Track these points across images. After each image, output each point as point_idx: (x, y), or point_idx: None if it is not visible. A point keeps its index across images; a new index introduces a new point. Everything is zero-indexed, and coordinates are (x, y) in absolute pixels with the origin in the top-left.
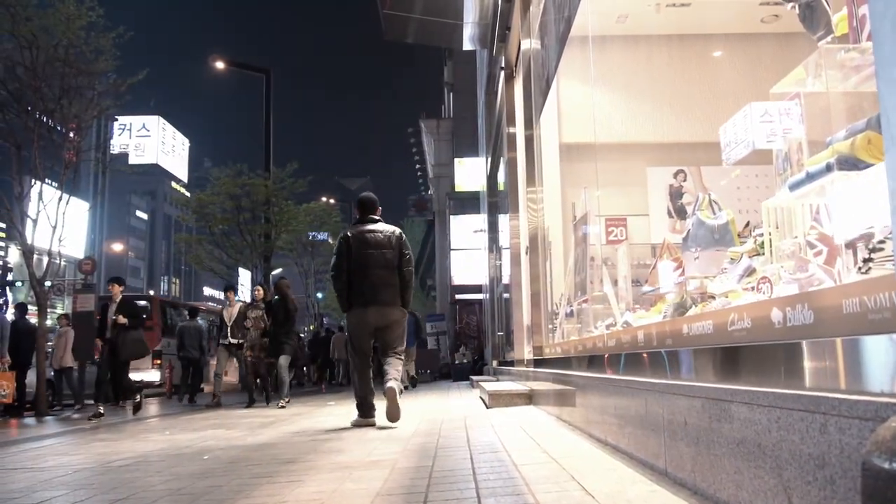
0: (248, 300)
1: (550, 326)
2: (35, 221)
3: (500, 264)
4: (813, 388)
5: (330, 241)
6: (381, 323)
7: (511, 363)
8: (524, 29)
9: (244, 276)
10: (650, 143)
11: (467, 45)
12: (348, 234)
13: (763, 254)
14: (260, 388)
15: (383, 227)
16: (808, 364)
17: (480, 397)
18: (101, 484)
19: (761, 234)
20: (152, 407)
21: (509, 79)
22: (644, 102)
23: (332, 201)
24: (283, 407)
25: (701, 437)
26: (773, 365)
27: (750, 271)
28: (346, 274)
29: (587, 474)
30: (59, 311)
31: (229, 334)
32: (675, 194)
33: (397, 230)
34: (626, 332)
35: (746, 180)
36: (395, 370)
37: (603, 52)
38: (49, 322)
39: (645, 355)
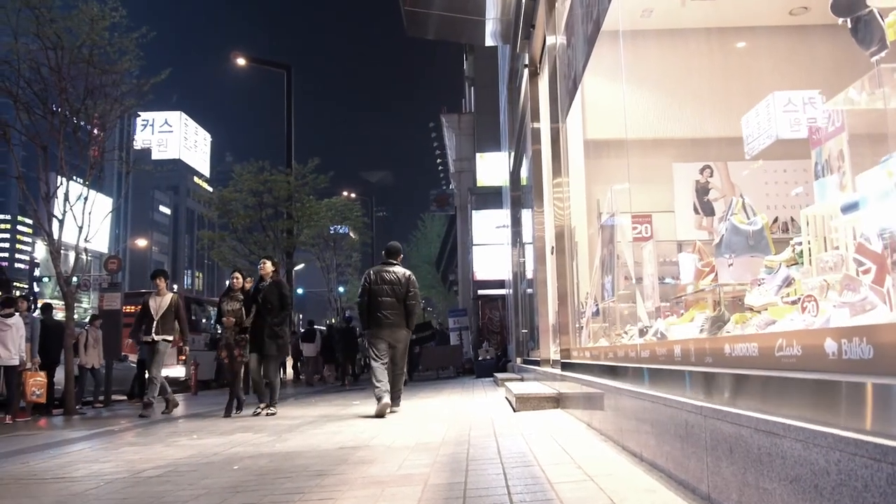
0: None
1: (577, 326)
2: (62, 221)
3: (524, 261)
4: (879, 432)
5: (351, 234)
6: (391, 339)
7: (536, 362)
8: (549, 26)
9: None
10: (676, 139)
11: (489, 41)
12: (371, 271)
13: (801, 263)
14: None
15: (398, 270)
16: (871, 405)
17: (507, 398)
18: (133, 498)
19: (799, 243)
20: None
21: (533, 76)
22: (670, 97)
23: (352, 195)
24: (261, 414)
25: (749, 468)
26: (830, 401)
27: (788, 282)
28: (368, 300)
29: (627, 497)
30: (85, 304)
31: (153, 329)
32: (702, 190)
33: (408, 272)
34: (661, 345)
35: (775, 175)
36: (397, 388)
37: (628, 47)
38: (76, 317)
39: (684, 371)
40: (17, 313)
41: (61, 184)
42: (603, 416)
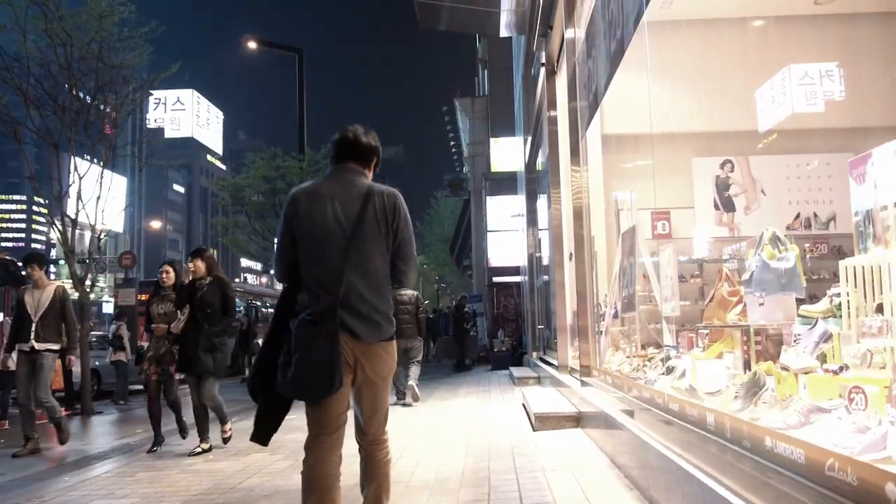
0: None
1: (597, 331)
2: (74, 221)
3: (540, 255)
4: None
5: None
6: (406, 346)
7: (554, 364)
8: (568, 28)
9: None
10: (696, 133)
11: (504, 32)
12: None
13: (839, 315)
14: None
15: (407, 293)
16: None
17: (524, 407)
18: None
19: (837, 295)
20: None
21: (550, 75)
22: (690, 90)
23: None
24: (200, 452)
25: None
26: None
27: (826, 337)
28: None
29: None
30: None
31: (32, 334)
32: (722, 186)
33: (416, 294)
34: (692, 406)
35: (797, 170)
36: (414, 373)
37: (646, 39)
38: (92, 296)
39: (717, 441)
40: None
41: (72, 182)
42: (628, 458)
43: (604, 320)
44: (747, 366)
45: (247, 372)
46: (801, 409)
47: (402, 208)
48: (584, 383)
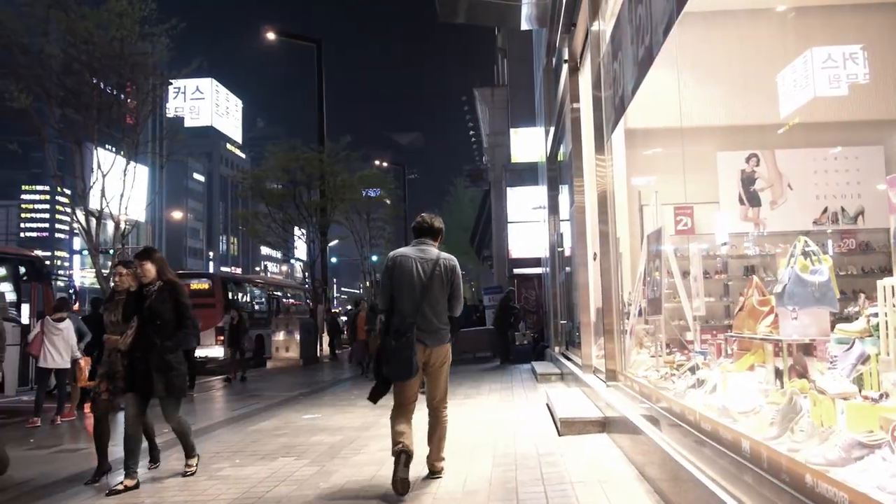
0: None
1: (621, 329)
2: (99, 219)
3: (562, 249)
4: None
5: (387, 200)
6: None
7: (577, 363)
8: (593, 26)
9: (300, 250)
10: (720, 127)
11: (525, 25)
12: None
13: (877, 335)
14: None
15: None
16: None
17: (548, 408)
18: None
19: (875, 315)
20: (217, 396)
21: (573, 71)
22: (714, 83)
23: (384, 164)
24: (122, 489)
25: None
26: None
27: (864, 359)
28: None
29: None
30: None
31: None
32: (748, 180)
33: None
34: (727, 430)
35: (824, 164)
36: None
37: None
38: None
39: (753, 469)
40: (67, 318)
41: (95, 181)
42: (658, 471)
43: (628, 319)
44: (779, 376)
45: (240, 370)
46: (842, 444)
47: (456, 269)
48: (609, 387)
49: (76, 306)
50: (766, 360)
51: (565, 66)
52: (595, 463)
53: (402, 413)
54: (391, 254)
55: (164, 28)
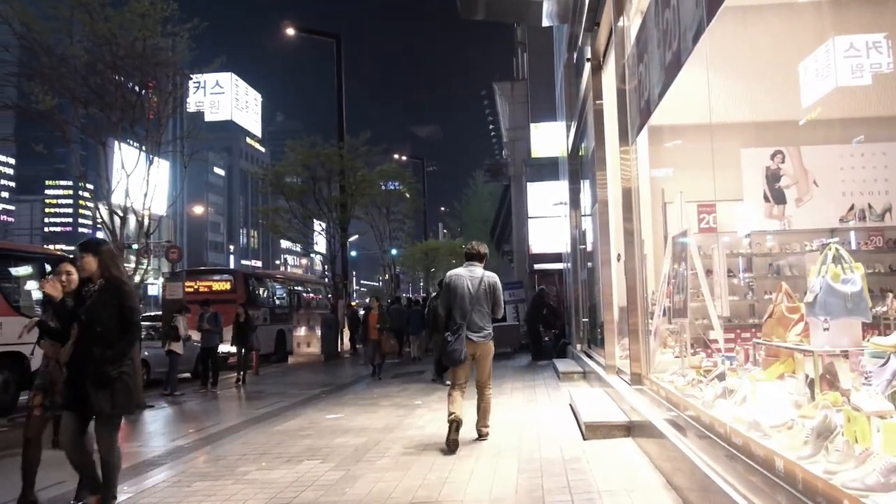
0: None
1: (646, 329)
2: (124, 219)
3: (584, 247)
4: None
5: (406, 194)
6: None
7: (601, 364)
8: (617, 25)
9: (320, 245)
10: (744, 123)
11: (546, 22)
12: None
13: None
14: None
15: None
16: None
17: (572, 409)
18: None
19: None
20: (239, 394)
21: (596, 70)
22: (738, 79)
23: (403, 158)
24: None
25: None
26: None
27: None
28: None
29: None
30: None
31: None
32: (773, 177)
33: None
34: (759, 447)
35: (851, 160)
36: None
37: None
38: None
39: (792, 492)
40: None
41: (119, 181)
42: (687, 481)
43: (652, 318)
44: (810, 385)
45: (242, 371)
46: (881, 469)
47: (497, 284)
48: (634, 391)
49: None
50: (797, 369)
51: (588, 65)
52: (622, 470)
53: (455, 390)
54: (448, 273)
55: (186, 28)
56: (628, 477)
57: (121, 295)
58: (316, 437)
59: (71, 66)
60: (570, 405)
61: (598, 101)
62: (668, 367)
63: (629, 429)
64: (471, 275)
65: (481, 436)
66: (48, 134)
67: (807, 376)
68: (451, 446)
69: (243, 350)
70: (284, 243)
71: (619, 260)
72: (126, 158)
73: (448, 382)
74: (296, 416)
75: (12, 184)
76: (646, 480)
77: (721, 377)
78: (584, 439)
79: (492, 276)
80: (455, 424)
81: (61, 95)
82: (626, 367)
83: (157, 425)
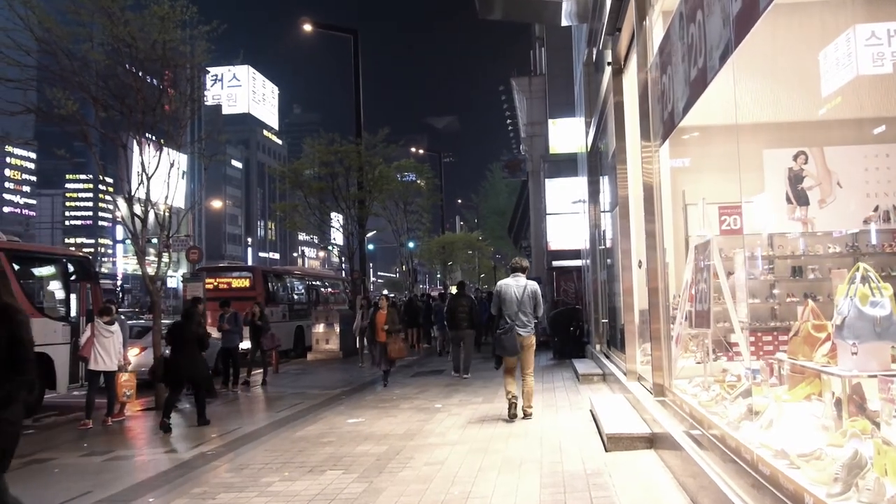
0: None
1: (668, 334)
2: (144, 221)
3: (603, 247)
4: None
5: (422, 185)
6: (461, 335)
7: (621, 368)
8: (639, 31)
9: (338, 238)
10: (767, 123)
11: (565, 22)
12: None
13: None
14: None
15: (465, 300)
16: None
17: (592, 415)
18: None
19: None
20: (259, 394)
21: (617, 73)
22: (760, 79)
23: (420, 151)
24: None
25: None
26: None
27: None
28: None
29: None
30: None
31: None
32: (795, 178)
33: (472, 299)
34: (787, 479)
35: (875, 161)
36: (466, 356)
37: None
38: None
39: None
40: (115, 321)
41: (141, 183)
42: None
43: (673, 324)
44: (837, 405)
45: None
46: None
47: (537, 290)
48: (656, 402)
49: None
50: (823, 388)
51: (608, 68)
52: (645, 486)
53: (509, 374)
54: (499, 282)
55: (205, 30)
56: (652, 494)
57: (14, 325)
58: (337, 445)
59: (91, 69)
60: (591, 411)
61: (617, 99)
62: (690, 374)
63: (651, 441)
64: (516, 283)
65: (526, 414)
66: (68, 134)
67: (833, 394)
68: (512, 419)
69: (259, 350)
70: (302, 236)
71: (640, 266)
72: (146, 158)
73: (466, 376)
74: (316, 420)
75: (34, 178)
76: (670, 498)
77: (746, 394)
78: (606, 451)
79: (533, 284)
80: (514, 401)
81: (82, 99)
82: (648, 374)
83: (180, 429)
